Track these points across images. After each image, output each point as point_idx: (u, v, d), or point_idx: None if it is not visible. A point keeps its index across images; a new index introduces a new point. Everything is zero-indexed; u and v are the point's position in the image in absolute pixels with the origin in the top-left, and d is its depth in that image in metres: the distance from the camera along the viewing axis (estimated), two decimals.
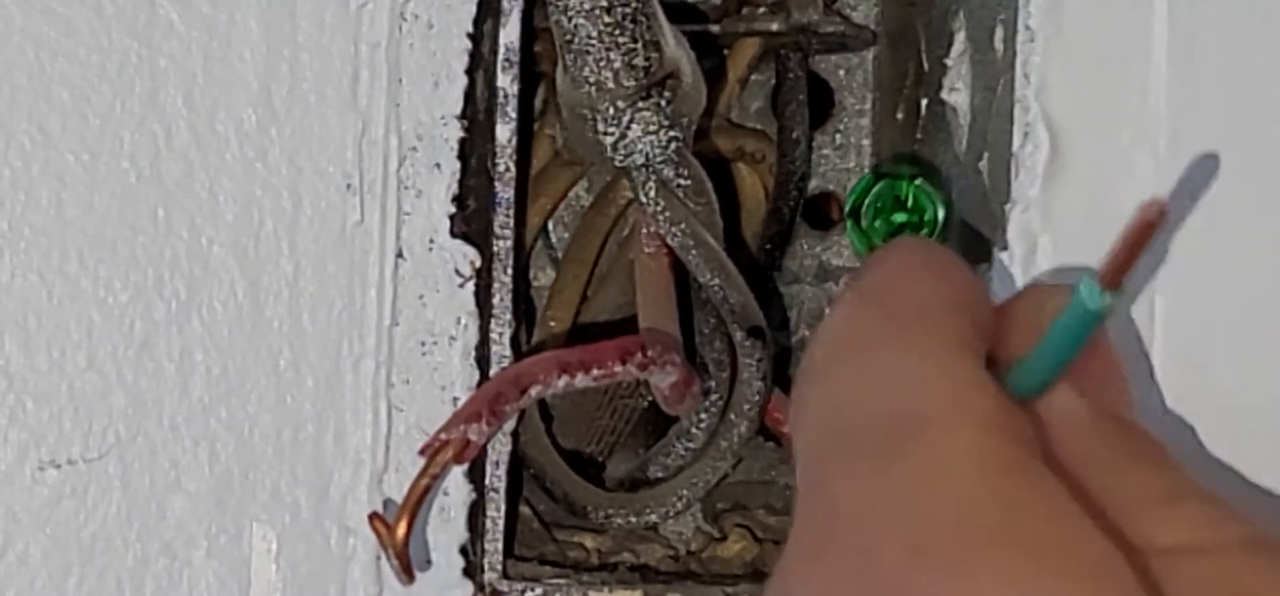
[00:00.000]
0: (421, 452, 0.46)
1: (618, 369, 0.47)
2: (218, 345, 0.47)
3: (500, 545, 0.50)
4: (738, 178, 0.59)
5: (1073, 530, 0.35)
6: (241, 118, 0.47)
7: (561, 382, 0.47)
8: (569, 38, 0.47)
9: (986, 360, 0.38)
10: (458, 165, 0.49)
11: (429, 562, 0.49)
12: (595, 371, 0.47)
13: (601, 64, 0.48)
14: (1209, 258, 0.46)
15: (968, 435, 0.36)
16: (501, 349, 0.50)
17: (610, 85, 0.48)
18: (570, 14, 0.47)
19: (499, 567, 0.50)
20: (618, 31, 0.47)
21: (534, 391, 0.46)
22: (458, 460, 0.46)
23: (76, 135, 0.47)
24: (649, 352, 0.48)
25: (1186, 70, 0.46)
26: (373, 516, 0.46)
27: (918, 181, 0.53)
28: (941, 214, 0.53)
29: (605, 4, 0.47)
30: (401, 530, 0.45)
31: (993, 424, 0.36)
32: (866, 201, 0.54)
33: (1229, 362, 0.46)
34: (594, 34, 0.47)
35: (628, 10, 0.47)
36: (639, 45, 0.47)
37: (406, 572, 0.45)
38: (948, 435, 0.36)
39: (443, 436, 0.46)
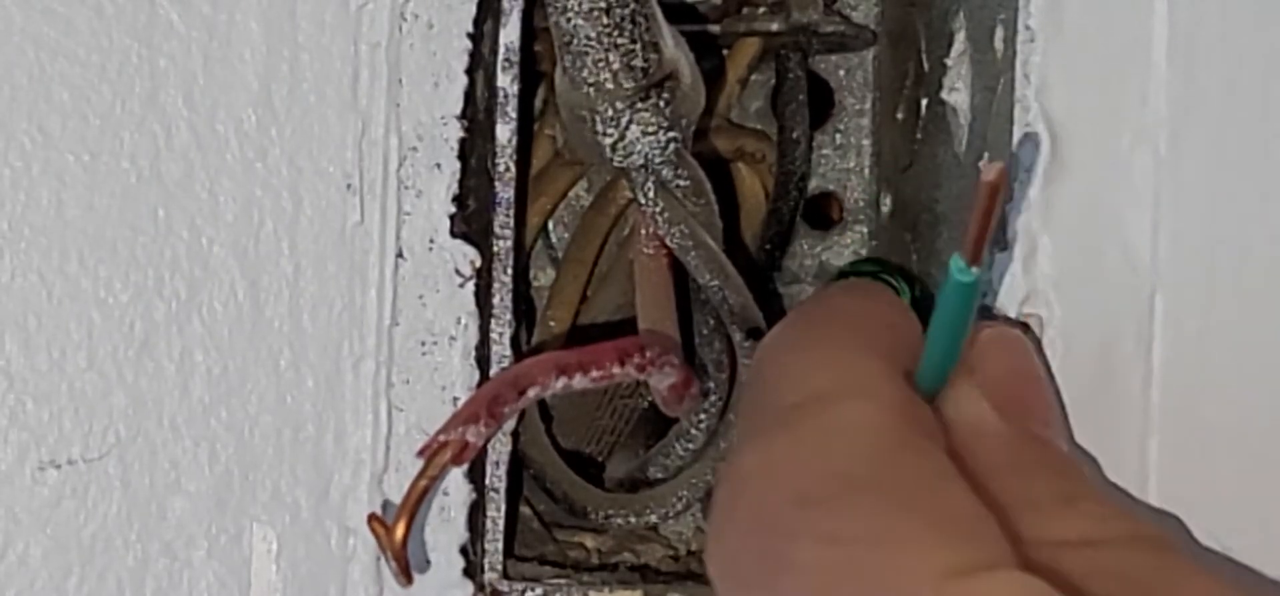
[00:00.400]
0: (420, 454, 0.46)
1: (616, 370, 0.47)
2: (218, 345, 0.47)
3: (500, 545, 0.50)
4: (737, 178, 0.59)
5: (946, 489, 0.39)
6: (242, 118, 0.47)
7: (560, 384, 0.47)
8: (568, 39, 0.47)
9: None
10: (458, 165, 0.49)
11: (428, 563, 0.49)
12: (594, 373, 0.47)
13: (600, 65, 0.48)
14: (1209, 257, 0.46)
15: (861, 407, 0.40)
16: (502, 349, 0.50)
17: (609, 86, 0.48)
18: (569, 15, 0.47)
19: (499, 567, 0.50)
20: (616, 33, 0.47)
21: (532, 393, 0.47)
22: (456, 462, 0.46)
23: (77, 135, 0.47)
24: (647, 354, 0.48)
25: (1186, 70, 0.46)
26: (371, 517, 0.46)
27: (883, 275, 0.54)
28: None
29: (604, 5, 0.47)
30: (400, 531, 0.45)
31: (887, 403, 0.40)
32: None
33: (1228, 363, 0.46)
34: (593, 35, 0.47)
35: (626, 11, 0.47)
36: (638, 46, 0.47)
37: (405, 574, 0.45)
38: (841, 408, 0.40)
39: (441, 438, 0.46)
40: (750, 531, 0.40)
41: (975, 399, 0.42)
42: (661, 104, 0.48)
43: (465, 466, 0.48)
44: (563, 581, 0.51)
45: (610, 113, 0.48)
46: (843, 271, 0.58)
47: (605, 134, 0.48)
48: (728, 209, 0.54)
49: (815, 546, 0.38)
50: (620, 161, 0.49)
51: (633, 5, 0.47)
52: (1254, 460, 0.45)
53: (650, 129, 0.48)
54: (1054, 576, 0.37)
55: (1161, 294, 0.46)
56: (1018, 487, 0.40)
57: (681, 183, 0.50)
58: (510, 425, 0.51)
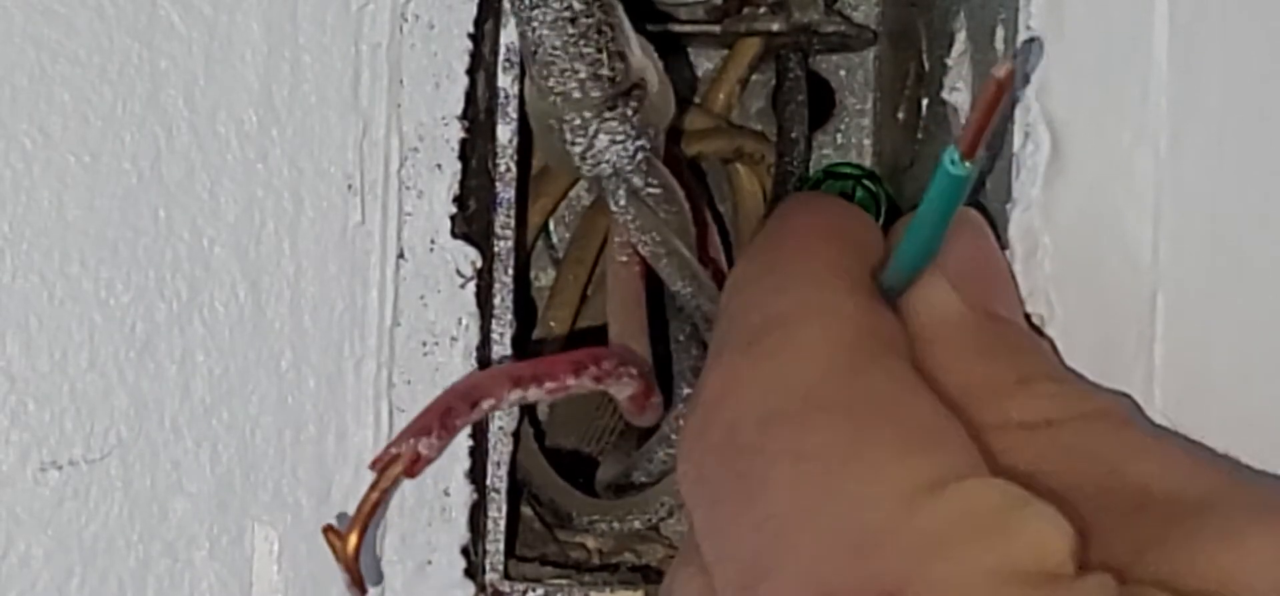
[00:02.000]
0: (372, 466, 0.46)
1: (571, 382, 0.47)
2: (219, 346, 0.47)
3: (502, 545, 0.50)
4: (736, 178, 0.59)
5: (911, 401, 0.39)
6: (243, 119, 0.47)
7: (514, 396, 0.46)
8: (534, 48, 0.47)
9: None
10: (459, 166, 0.49)
11: (380, 576, 0.48)
12: (548, 384, 0.47)
13: (567, 74, 0.47)
14: (1209, 257, 0.46)
15: (822, 326, 0.40)
16: (503, 349, 0.50)
17: (576, 96, 0.47)
18: (534, 25, 0.47)
19: (500, 568, 0.50)
20: (582, 42, 0.47)
21: (485, 405, 0.46)
22: (409, 474, 0.45)
23: (78, 136, 0.47)
24: (604, 365, 0.48)
25: (1186, 70, 0.46)
26: (327, 529, 0.46)
27: (864, 181, 0.54)
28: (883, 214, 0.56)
29: (569, 15, 0.47)
30: (352, 542, 0.45)
31: (848, 319, 0.41)
32: None
33: (1229, 362, 0.46)
34: (558, 45, 0.47)
35: (592, 21, 0.47)
36: (604, 55, 0.47)
37: (358, 585, 0.45)
38: (803, 328, 0.40)
39: (393, 450, 0.46)
40: (718, 452, 0.40)
41: (942, 287, 0.43)
42: (629, 113, 0.48)
43: (468, 466, 0.48)
44: (564, 581, 0.51)
45: (578, 121, 0.48)
46: (829, 171, 0.58)
47: (574, 143, 0.48)
48: (727, 210, 0.54)
49: (784, 464, 0.39)
50: (589, 170, 0.48)
51: (598, 15, 0.47)
52: (1254, 460, 0.45)
53: (618, 137, 0.48)
54: (1017, 469, 0.38)
55: (1161, 294, 0.46)
56: (981, 371, 0.41)
57: (652, 190, 0.49)
58: (511, 427, 0.51)
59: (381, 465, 0.45)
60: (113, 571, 0.47)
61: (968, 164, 0.39)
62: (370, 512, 0.45)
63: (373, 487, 0.45)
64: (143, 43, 0.47)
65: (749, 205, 0.59)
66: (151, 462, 0.47)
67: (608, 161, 0.48)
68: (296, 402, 0.48)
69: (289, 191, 0.48)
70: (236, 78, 0.47)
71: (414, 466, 0.45)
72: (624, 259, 0.51)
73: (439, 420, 0.46)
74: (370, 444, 0.48)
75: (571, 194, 0.58)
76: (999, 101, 0.39)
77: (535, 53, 0.47)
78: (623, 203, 0.49)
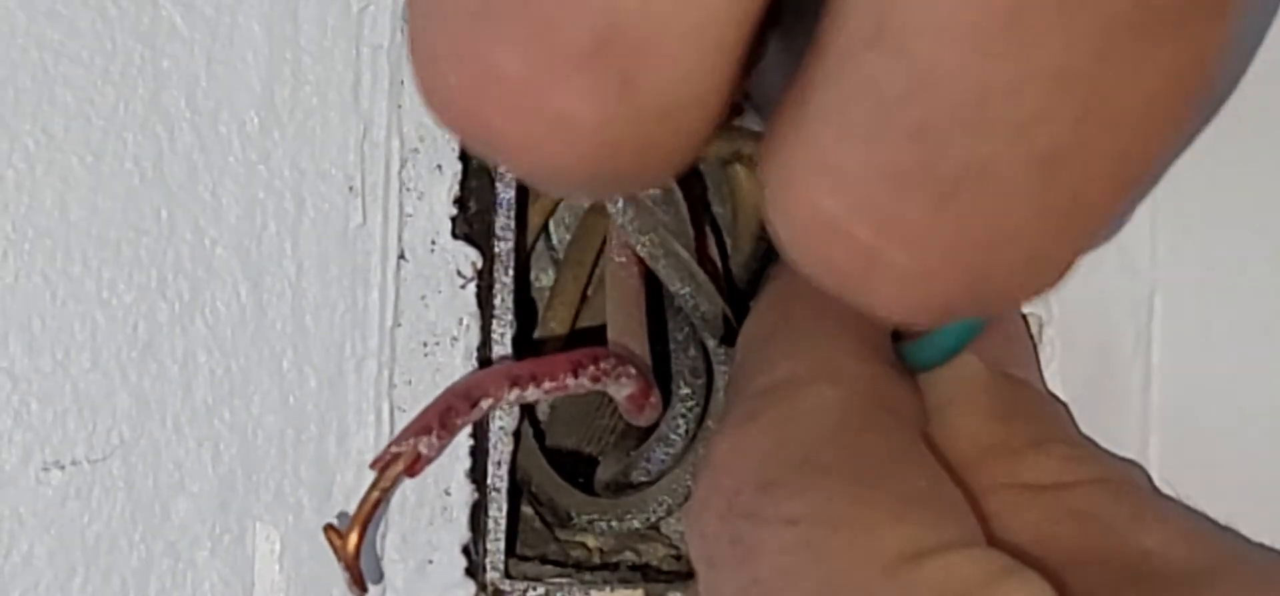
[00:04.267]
0: (373, 466, 0.46)
1: (570, 382, 0.47)
2: (221, 346, 0.47)
3: (502, 545, 0.50)
4: (735, 180, 0.59)
5: (909, 469, 0.39)
6: (244, 120, 0.48)
7: (513, 395, 0.47)
8: None
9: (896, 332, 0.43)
10: (459, 167, 0.49)
11: (381, 574, 0.49)
12: (547, 384, 0.47)
13: None
14: (1209, 258, 0.46)
15: (826, 390, 0.40)
16: (503, 349, 0.50)
17: None
18: None
19: (501, 567, 0.50)
20: None
21: (485, 405, 0.47)
22: (409, 473, 0.46)
23: (80, 137, 0.47)
24: (602, 365, 0.48)
25: None
26: (327, 528, 0.46)
27: None
28: None
29: None
30: (353, 541, 0.45)
31: (855, 384, 0.41)
32: None
33: (1227, 364, 0.46)
34: None
35: None
36: None
37: (358, 584, 0.45)
38: (808, 393, 0.41)
39: (393, 450, 0.46)
40: (721, 516, 0.41)
41: (966, 353, 0.43)
42: None
43: (469, 466, 0.49)
44: (564, 580, 0.51)
45: None
46: None
47: None
48: (728, 212, 0.54)
49: (776, 529, 0.39)
50: None
51: None
52: (1254, 460, 0.46)
53: None
54: (1020, 531, 0.39)
55: (1161, 294, 0.46)
56: (998, 432, 0.42)
57: (650, 190, 0.50)
58: (512, 426, 0.51)
59: (382, 465, 0.46)
60: (115, 571, 0.47)
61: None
62: (370, 512, 0.45)
63: (373, 487, 0.45)
64: (145, 44, 0.47)
65: (748, 206, 0.59)
66: (154, 462, 0.47)
67: None
68: (298, 403, 0.48)
69: (290, 192, 0.48)
70: (238, 79, 0.47)
71: (414, 466, 0.46)
72: (622, 260, 0.51)
73: (439, 419, 0.46)
74: (371, 444, 0.48)
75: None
76: None
77: None
78: (620, 204, 0.49)
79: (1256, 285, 0.46)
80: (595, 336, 0.54)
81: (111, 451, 0.47)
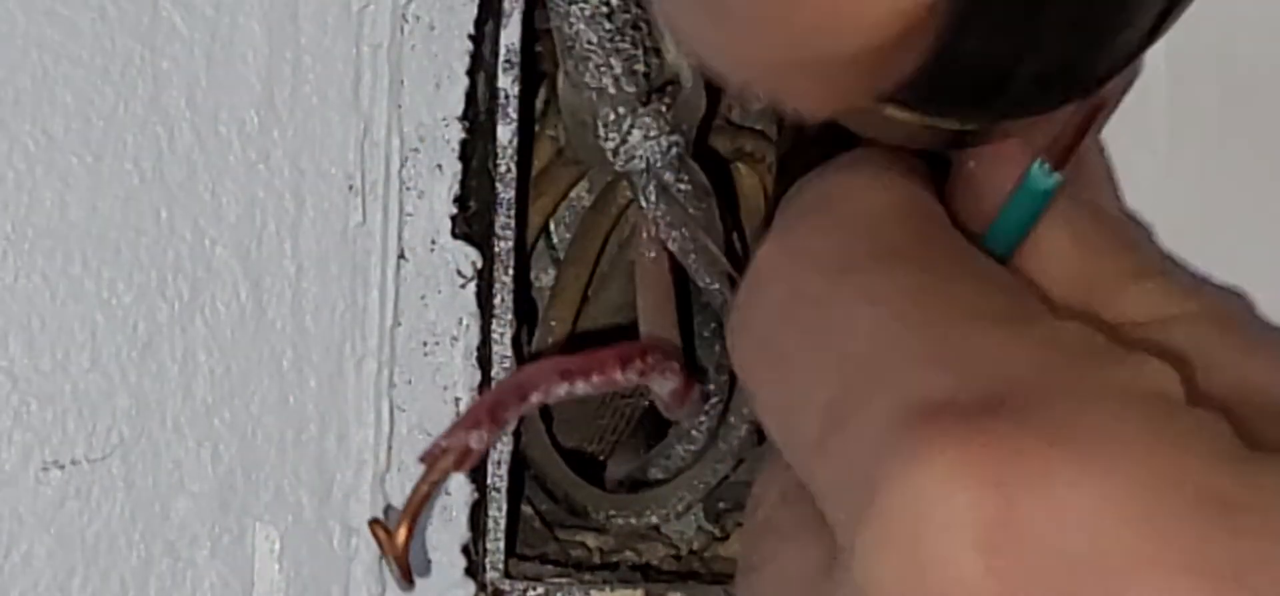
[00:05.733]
0: (422, 460, 0.46)
1: (618, 376, 0.48)
2: (221, 346, 0.47)
3: (502, 544, 0.50)
4: (737, 178, 0.59)
5: (985, 260, 0.39)
6: (244, 119, 0.48)
7: (562, 390, 0.47)
8: (570, 44, 0.48)
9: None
10: (459, 166, 0.49)
11: (429, 567, 0.49)
12: (596, 378, 0.47)
13: (602, 70, 0.48)
14: (1209, 258, 0.46)
15: (885, 194, 0.40)
16: (503, 349, 0.50)
17: (611, 91, 0.48)
18: (572, 20, 0.47)
19: (501, 567, 0.50)
20: (619, 37, 0.47)
21: (535, 399, 0.47)
22: (458, 468, 0.46)
23: (80, 137, 0.47)
24: (649, 359, 0.48)
25: (1186, 70, 0.46)
26: (373, 523, 0.46)
27: None
28: None
29: (606, 10, 0.47)
30: (402, 536, 0.45)
31: (914, 195, 0.40)
32: None
33: None
34: (594, 40, 0.47)
35: (628, 17, 0.47)
36: (640, 51, 0.48)
37: (407, 578, 0.45)
38: (867, 194, 0.40)
39: (443, 444, 0.46)
40: (783, 312, 0.39)
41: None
42: (663, 109, 0.49)
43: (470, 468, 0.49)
44: (564, 580, 0.51)
45: (612, 117, 0.48)
46: None
47: (608, 138, 0.49)
48: (728, 209, 0.54)
49: (860, 307, 0.37)
50: (622, 165, 0.49)
51: (635, 10, 0.47)
52: None
53: (652, 133, 0.49)
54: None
55: None
56: (1089, 266, 0.40)
57: (683, 186, 0.50)
58: (512, 425, 0.51)
59: (432, 459, 0.46)
60: (115, 570, 0.47)
61: (1056, 176, 0.39)
62: (419, 506, 0.45)
63: (423, 481, 0.46)
64: (145, 44, 0.47)
65: (750, 204, 0.59)
66: (153, 462, 0.47)
67: (640, 156, 0.49)
68: (298, 402, 0.48)
69: (290, 192, 0.48)
70: (238, 79, 0.47)
71: (464, 460, 0.46)
72: (653, 255, 0.52)
73: (489, 414, 0.46)
74: (371, 443, 0.48)
75: (572, 194, 0.58)
76: (1094, 122, 0.38)
77: (571, 47, 0.47)
78: (653, 198, 0.49)
79: (1256, 285, 0.46)
80: (596, 336, 0.54)
81: (111, 451, 0.47)
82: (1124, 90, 0.41)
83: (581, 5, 0.47)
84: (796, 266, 0.39)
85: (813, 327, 0.38)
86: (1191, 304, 0.39)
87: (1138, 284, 0.40)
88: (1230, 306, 0.40)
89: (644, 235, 0.52)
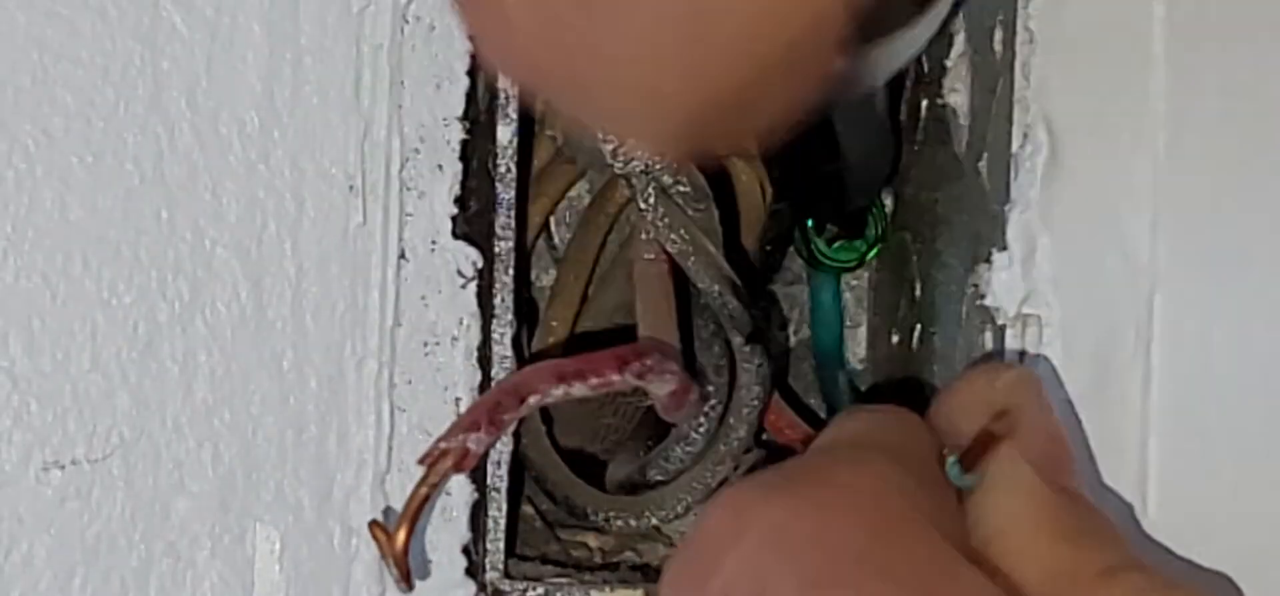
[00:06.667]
0: (421, 462, 0.46)
1: (615, 378, 0.47)
2: (221, 346, 0.47)
3: (502, 544, 0.50)
4: (736, 178, 0.59)
5: (965, 574, 0.39)
6: (244, 120, 0.48)
7: (560, 392, 0.47)
8: None
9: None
10: (459, 166, 0.49)
11: (428, 567, 0.49)
12: (593, 381, 0.47)
13: None
14: (1209, 258, 0.46)
15: (878, 472, 0.40)
16: (503, 349, 0.50)
17: None
18: None
19: (500, 567, 0.50)
20: None
21: (533, 401, 0.47)
22: (458, 469, 0.46)
23: (80, 137, 0.47)
24: (646, 361, 0.48)
25: (1185, 70, 0.46)
26: (373, 524, 0.46)
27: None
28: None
29: None
30: (401, 538, 0.45)
31: (903, 479, 0.40)
32: None
33: (1227, 362, 0.46)
34: None
35: None
36: None
37: (406, 580, 0.45)
38: (858, 470, 0.40)
39: (442, 445, 0.46)
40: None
41: (1024, 470, 0.41)
42: None
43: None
44: (564, 580, 0.51)
45: None
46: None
47: (606, 140, 0.49)
48: (726, 209, 0.55)
49: None
50: (621, 167, 0.49)
51: None
52: (1254, 460, 0.45)
53: None
54: None
55: (1161, 294, 0.46)
56: (1067, 556, 0.40)
57: (681, 188, 0.50)
58: (511, 427, 0.51)
59: (431, 460, 0.46)
60: (115, 570, 0.47)
61: (968, 477, 0.41)
62: (419, 508, 0.46)
63: (422, 483, 0.46)
64: (145, 45, 0.47)
65: (748, 202, 0.59)
66: (154, 462, 0.47)
67: (639, 159, 0.49)
68: (298, 403, 0.48)
69: (291, 192, 0.48)
70: (238, 79, 0.47)
71: (463, 462, 0.46)
72: (651, 257, 0.52)
73: (487, 416, 0.46)
74: (371, 444, 0.48)
75: (571, 194, 0.58)
76: (993, 445, 0.41)
77: None
78: (651, 201, 0.49)
79: (1256, 285, 0.46)
80: (597, 336, 0.54)
81: (111, 451, 0.47)
82: None
83: None
84: (769, 553, 0.38)
85: None
86: None
87: (1118, 578, 0.40)
88: None
89: (642, 237, 0.52)
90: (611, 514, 0.54)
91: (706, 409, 0.53)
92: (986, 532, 0.41)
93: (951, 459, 0.41)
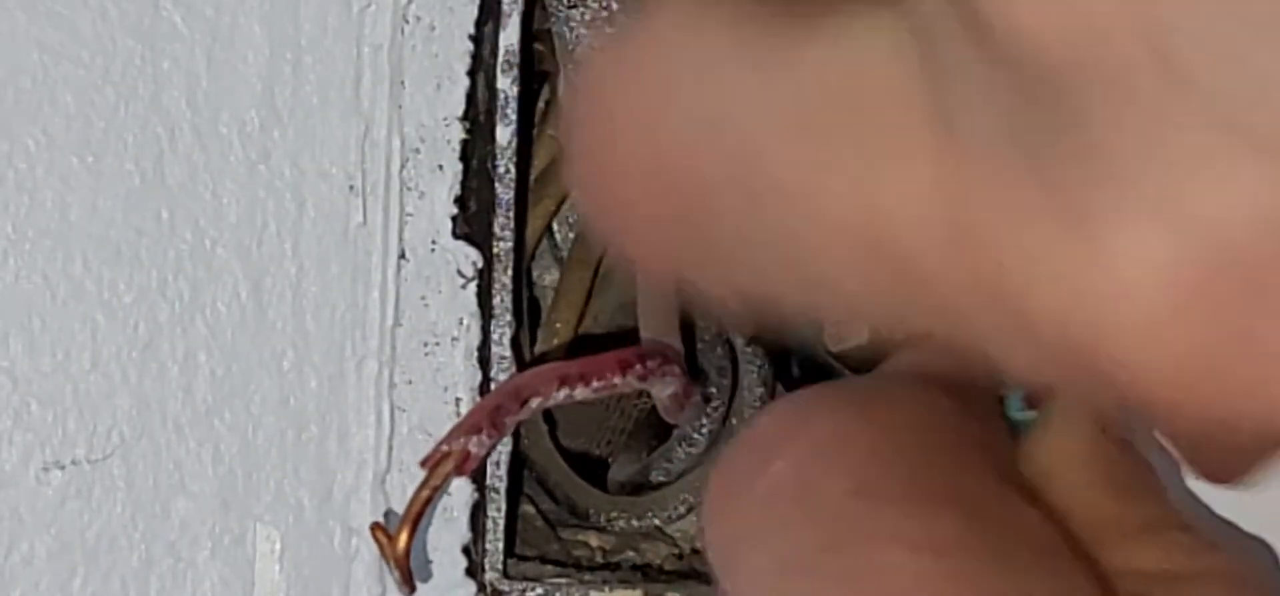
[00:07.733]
0: (422, 464, 0.46)
1: (617, 380, 0.47)
2: (221, 346, 0.48)
3: (501, 544, 0.50)
4: None
5: (1018, 507, 0.39)
6: (245, 120, 0.48)
7: (562, 394, 0.47)
8: (572, 47, 0.47)
9: None
10: (460, 167, 0.49)
11: (429, 570, 0.49)
12: (595, 383, 0.47)
13: None
14: None
15: (927, 400, 0.39)
16: (503, 350, 0.50)
17: None
18: (572, 25, 0.47)
19: (500, 567, 0.50)
20: None
21: (535, 403, 0.47)
22: (459, 472, 0.46)
23: (80, 137, 0.47)
24: (648, 364, 0.48)
25: None
26: (374, 527, 0.46)
27: None
28: None
29: (607, 15, 0.47)
30: (403, 540, 0.45)
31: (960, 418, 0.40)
32: None
33: None
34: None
35: (630, 20, 0.47)
36: None
37: (407, 583, 0.45)
38: (911, 392, 0.40)
39: (444, 448, 0.46)
40: (794, 505, 0.38)
41: (1079, 408, 0.41)
42: None
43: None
44: (563, 580, 0.51)
45: None
46: None
47: None
48: None
49: (896, 551, 0.37)
50: None
51: (636, 14, 0.47)
52: None
53: None
54: None
55: None
56: (1110, 509, 0.40)
57: None
58: (512, 429, 0.51)
59: (432, 463, 0.46)
60: (115, 571, 0.47)
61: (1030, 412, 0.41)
62: (420, 510, 0.46)
63: (423, 486, 0.46)
64: (145, 44, 0.47)
65: None
66: (154, 463, 0.47)
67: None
68: (298, 403, 0.48)
69: (291, 192, 0.48)
70: (239, 79, 0.48)
71: (465, 464, 0.46)
72: None
73: (489, 418, 0.46)
74: (371, 444, 0.48)
75: (573, 194, 0.58)
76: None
77: (573, 51, 0.47)
78: None
79: None
80: (600, 337, 0.54)
81: (112, 451, 0.47)
82: None
83: (582, 10, 0.47)
84: (816, 456, 0.38)
85: (839, 549, 0.37)
86: (1206, 562, 0.39)
87: (1160, 536, 0.40)
88: (1246, 567, 0.40)
89: None
90: (613, 514, 0.54)
91: (709, 410, 0.53)
92: (1037, 471, 0.41)
93: (1017, 394, 0.40)
